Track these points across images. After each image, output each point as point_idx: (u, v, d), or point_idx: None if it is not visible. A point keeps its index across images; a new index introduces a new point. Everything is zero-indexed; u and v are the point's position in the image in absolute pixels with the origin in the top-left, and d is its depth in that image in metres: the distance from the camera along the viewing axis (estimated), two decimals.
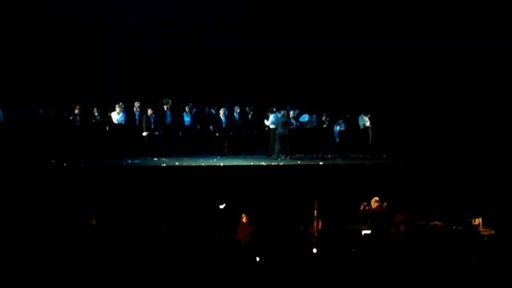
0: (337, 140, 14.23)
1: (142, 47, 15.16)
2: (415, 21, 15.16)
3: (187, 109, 13.47)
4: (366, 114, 14.05)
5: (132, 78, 14.99)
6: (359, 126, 14.09)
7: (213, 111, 13.99)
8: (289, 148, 13.22)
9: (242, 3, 15.47)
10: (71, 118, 12.95)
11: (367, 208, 9.81)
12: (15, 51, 14.28)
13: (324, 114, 14.24)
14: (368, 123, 14.00)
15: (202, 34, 15.54)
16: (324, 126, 14.16)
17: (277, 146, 13.16)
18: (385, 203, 9.80)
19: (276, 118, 13.39)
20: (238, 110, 14.01)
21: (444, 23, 15.00)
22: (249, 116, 14.16)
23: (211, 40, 15.46)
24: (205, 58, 15.63)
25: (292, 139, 13.38)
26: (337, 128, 14.24)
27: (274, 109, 13.63)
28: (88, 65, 15.00)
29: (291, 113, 13.55)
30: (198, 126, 13.82)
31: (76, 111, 12.93)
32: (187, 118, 13.46)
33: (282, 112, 13.33)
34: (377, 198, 9.69)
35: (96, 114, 13.13)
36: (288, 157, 13.13)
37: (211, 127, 13.75)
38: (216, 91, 15.24)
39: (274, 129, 13.36)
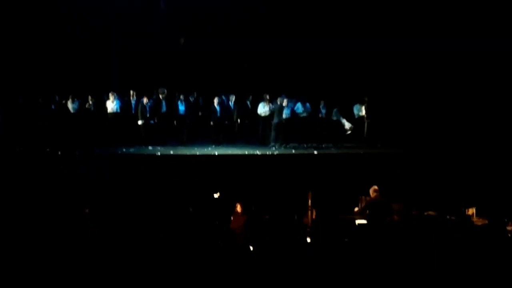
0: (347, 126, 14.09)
1: (141, 42, 15.19)
2: (413, 14, 15.15)
3: (181, 98, 13.44)
4: (361, 104, 14.05)
5: (131, 69, 15.00)
6: (354, 115, 14.09)
7: (224, 98, 13.92)
8: (283, 136, 13.25)
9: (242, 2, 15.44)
10: (63, 102, 12.94)
11: (367, 198, 9.79)
12: (14, 46, 14.29)
13: (322, 102, 14.17)
14: (363, 113, 14.00)
15: (200, 31, 15.55)
16: (320, 115, 14.09)
17: (273, 134, 13.18)
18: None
19: (269, 107, 13.42)
20: (233, 99, 13.97)
21: (441, 19, 15.01)
22: (249, 105, 14.12)
23: (209, 37, 15.48)
24: (204, 52, 15.61)
25: (286, 128, 13.38)
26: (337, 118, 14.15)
27: (268, 97, 13.62)
28: (87, 60, 15.01)
29: (285, 101, 13.51)
30: (200, 113, 13.73)
31: (69, 101, 12.94)
32: (181, 107, 13.44)
33: (279, 101, 13.32)
34: (376, 187, 9.67)
35: (90, 102, 13.10)
36: (282, 146, 13.15)
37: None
38: (211, 80, 15.23)
39: (266, 118, 13.37)
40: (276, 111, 13.21)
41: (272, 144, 13.14)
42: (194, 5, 15.42)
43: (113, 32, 15.00)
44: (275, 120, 13.17)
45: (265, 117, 13.58)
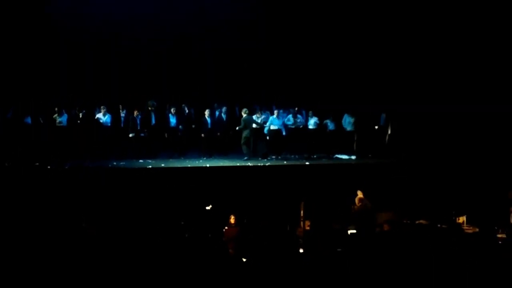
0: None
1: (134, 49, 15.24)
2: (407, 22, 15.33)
3: (172, 110, 13.40)
4: (351, 115, 14.05)
5: (124, 80, 15.06)
6: (343, 126, 14.11)
7: (217, 112, 14.00)
8: (277, 147, 13.23)
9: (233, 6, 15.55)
10: (54, 116, 12.92)
11: (354, 207, 9.87)
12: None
13: (311, 112, 14.14)
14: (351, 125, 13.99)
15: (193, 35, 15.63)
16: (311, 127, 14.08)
17: (245, 148, 13.08)
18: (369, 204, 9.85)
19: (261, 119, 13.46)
20: (224, 111, 14.00)
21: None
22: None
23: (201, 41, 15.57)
24: (195, 58, 15.66)
25: (278, 139, 13.43)
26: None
27: (260, 109, 13.66)
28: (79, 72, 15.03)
29: (275, 112, 13.56)
30: (181, 127, 13.71)
31: (55, 115, 12.90)
32: (172, 120, 13.41)
33: (243, 113, 13.20)
34: (360, 196, 9.72)
35: (80, 115, 13.08)
36: (257, 158, 13.12)
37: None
38: (203, 91, 15.27)
39: (255, 130, 13.40)
40: (242, 125, 13.08)
41: (246, 158, 12.98)
42: (189, 11, 15.57)
43: (112, 43, 15.07)
44: (246, 134, 13.03)
45: (256, 128, 13.57)
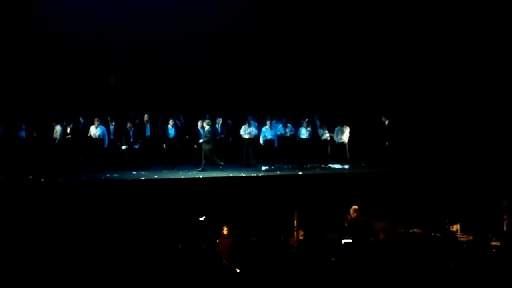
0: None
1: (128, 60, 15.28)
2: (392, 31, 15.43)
3: (171, 122, 13.35)
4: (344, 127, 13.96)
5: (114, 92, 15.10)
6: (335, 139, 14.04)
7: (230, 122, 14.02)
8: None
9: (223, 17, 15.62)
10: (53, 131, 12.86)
11: (348, 217, 9.84)
12: None
13: (305, 121, 14.13)
14: (326, 135, 13.91)
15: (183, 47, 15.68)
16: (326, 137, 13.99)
17: (216, 160, 12.96)
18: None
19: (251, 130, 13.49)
20: (220, 122, 14.00)
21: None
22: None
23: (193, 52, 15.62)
24: (188, 69, 15.72)
25: (270, 149, 13.45)
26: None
27: (251, 119, 13.68)
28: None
29: (268, 123, 13.57)
30: (187, 136, 13.69)
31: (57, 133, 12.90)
32: (171, 131, 13.34)
33: (205, 124, 13.05)
34: (356, 207, 9.72)
35: (68, 128, 13.07)
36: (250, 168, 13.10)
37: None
38: (197, 103, 15.30)
39: (248, 140, 13.40)
40: (203, 136, 12.94)
41: (200, 168, 12.85)
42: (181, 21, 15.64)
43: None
44: (208, 146, 12.84)
45: (249, 139, 13.56)
